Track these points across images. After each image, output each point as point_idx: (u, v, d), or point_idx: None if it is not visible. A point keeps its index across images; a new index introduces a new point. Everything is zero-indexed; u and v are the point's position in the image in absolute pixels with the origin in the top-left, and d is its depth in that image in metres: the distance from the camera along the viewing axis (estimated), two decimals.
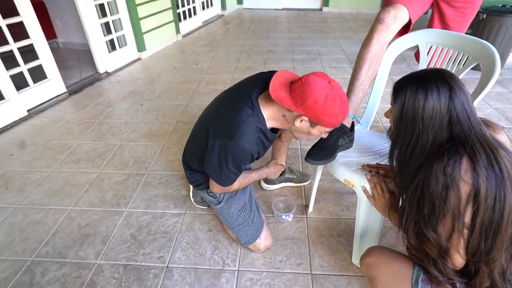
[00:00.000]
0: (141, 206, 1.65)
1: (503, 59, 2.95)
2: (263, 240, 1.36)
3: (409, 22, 1.38)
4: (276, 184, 1.74)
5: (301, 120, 1.05)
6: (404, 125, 0.83)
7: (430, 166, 0.75)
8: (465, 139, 0.75)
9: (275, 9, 6.19)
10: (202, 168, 1.26)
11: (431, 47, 1.31)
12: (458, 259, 0.75)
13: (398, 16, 1.30)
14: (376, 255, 0.99)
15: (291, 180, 1.75)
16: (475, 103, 1.09)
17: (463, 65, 1.20)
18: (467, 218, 0.71)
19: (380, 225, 1.22)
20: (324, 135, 1.16)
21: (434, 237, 0.76)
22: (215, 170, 1.14)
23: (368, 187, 1.12)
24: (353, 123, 1.29)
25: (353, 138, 1.31)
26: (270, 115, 1.11)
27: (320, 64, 3.44)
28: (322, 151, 1.22)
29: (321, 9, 5.95)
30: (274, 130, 1.20)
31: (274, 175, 1.53)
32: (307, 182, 1.77)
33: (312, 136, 1.15)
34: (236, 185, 1.25)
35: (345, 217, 1.56)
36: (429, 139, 0.80)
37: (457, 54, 1.23)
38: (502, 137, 0.89)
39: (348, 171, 1.20)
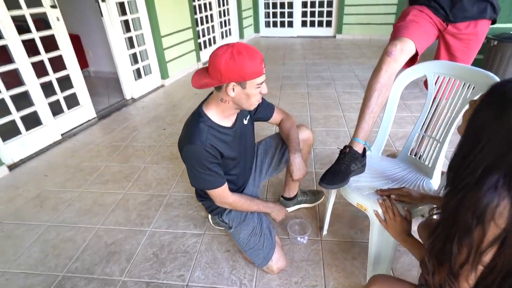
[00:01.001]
0: (163, 226, 1.72)
1: None
2: (275, 262, 1.38)
3: (416, 54, 1.44)
4: (290, 207, 1.77)
5: (232, 88, 1.10)
6: (482, 117, 0.71)
7: (472, 189, 0.69)
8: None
9: (290, 37, 6.38)
10: (201, 191, 1.40)
11: (438, 77, 1.35)
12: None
13: (405, 49, 1.36)
14: (380, 283, 1.00)
15: (304, 202, 1.79)
16: None
17: (470, 94, 1.24)
18: (487, 257, 0.68)
19: (393, 249, 1.23)
20: (261, 90, 1.16)
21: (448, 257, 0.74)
22: (192, 177, 1.25)
23: (380, 211, 1.15)
24: (364, 149, 1.34)
25: (365, 163, 1.35)
26: (213, 111, 1.21)
27: (334, 89, 3.50)
28: (336, 176, 1.26)
29: (334, 36, 6.09)
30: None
31: (276, 215, 1.49)
32: (321, 200, 1.80)
33: (254, 97, 1.15)
34: (231, 198, 1.32)
35: (359, 240, 1.57)
36: (491, 157, 0.68)
37: (464, 84, 1.27)
38: None
39: (361, 195, 1.24)
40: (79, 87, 2.82)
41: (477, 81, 1.21)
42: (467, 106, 0.86)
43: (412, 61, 1.46)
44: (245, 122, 1.38)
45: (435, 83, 1.37)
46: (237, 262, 1.48)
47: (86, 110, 2.93)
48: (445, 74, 1.33)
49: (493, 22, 1.51)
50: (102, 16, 3.01)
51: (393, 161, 1.49)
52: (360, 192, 1.25)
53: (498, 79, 1.15)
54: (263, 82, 1.15)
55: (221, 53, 1.05)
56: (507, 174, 0.66)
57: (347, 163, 1.27)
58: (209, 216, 1.70)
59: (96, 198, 1.96)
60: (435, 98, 1.38)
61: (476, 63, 3.28)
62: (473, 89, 1.22)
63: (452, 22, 1.49)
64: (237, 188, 1.48)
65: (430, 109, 1.40)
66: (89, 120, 2.96)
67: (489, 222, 0.66)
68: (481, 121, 0.71)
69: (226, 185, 1.28)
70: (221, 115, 1.23)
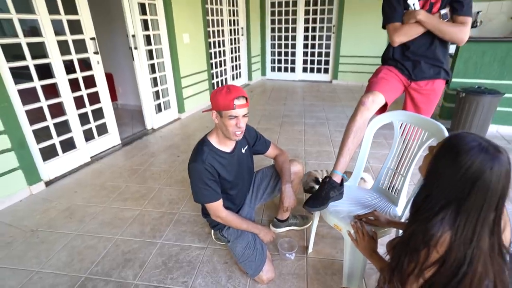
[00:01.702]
0: (172, 239, 1.84)
1: (484, 129, 3.11)
2: (265, 273, 1.49)
3: (386, 104, 1.64)
4: (282, 228, 1.89)
5: (216, 116, 1.36)
6: (441, 165, 0.79)
7: (425, 221, 0.79)
8: (464, 221, 0.74)
9: (292, 80, 6.70)
10: (206, 209, 1.53)
11: (401, 123, 1.54)
12: None
13: (376, 101, 1.57)
14: None
15: (295, 225, 1.90)
16: None
17: (425, 139, 1.41)
18: (428, 274, 0.79)
19: (363, 264, 1.34)
20: (232, 122, 1.31)
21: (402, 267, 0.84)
22: (194, 191, 1.42)
23: (352, 231, 1.29)
24: (342, 179, 1.50)
25: (343, 191, 1.49)
26: (214, 137, 1.45)
27: (328, 128, 3.67)
28: (316, 200, 1.41)
29: (331, 81, 6.37)
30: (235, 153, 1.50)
31: (264, 236, 1.58)
32: (308, 224, 1.90)
33: (230, 127, 1.32)
34: (224, 213, 1.46)
35: (339, 259, 1.66)
36: (446, 193, 0.77)
37: (420, 130, 1.44)
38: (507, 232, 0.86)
39: (337, 217, 1.38)
40: (109, 117, 3.06)
41: (429, 129, 1.38)
42: (425, 149, 1.00)
43: (383, 109, 1.66)
44: (243, 151, 1.56)
45: (400, 128, 1.55)
46: (233, 273, 1.59)
47: (112, 137, 3.14)
48: (407, 121, 1.51)
49: (447, 82, 1.73)
50: (133, 60, 3.33)
51: (367, 191, 1.63)
52: (337, 215, 1.39)
53: (443, 127, 1.32)
54: (237, 117, 1.31)
55: (216, 88, 1.35)
56: (453, 212, 0.75)
57: (326, 191, 1.42)
58: (212, 232, 1.83)
59: (117, 213, 2.11)
60: (404, 139, 1.55)
61: (448, 110, 3.51)
62: (427, 134, 1.40)
63: (414, 80, 1.69)
64: (235, 206, 1.62)
65: (397, 148, 1.57)
66: (114, 146, 3.17)
67: (432, 247, 0.76)
68: (438, 168, 0.80)
69: (220, 201, 1.45)
70: (217, 138, 1.45)
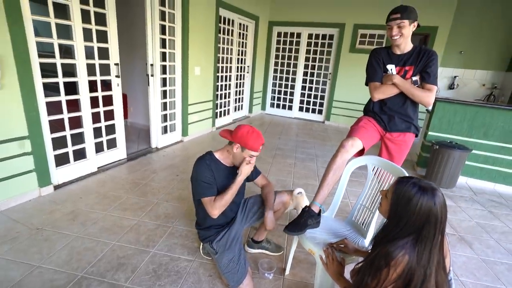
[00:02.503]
0: (164, 250, 1.92)
1: (454, 179, 3.31)
2: (245, 286, 1.57)
3: (363, 148, 1.83)
4: (255, 248, 1.98)
5: (237, 147, 1.56)
6: (398, 210, 0.97)
7: (388, 245, 0.94)
8: (423, 247, 0.91)
9: (289, 117, 6.96)
10: (200, 221, 1.71)
11: (374, 167, 1.71)
12: None
13: (355, 145, 1.75)
14: None
15: (267, 249, 1.98)
16: None
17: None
18: None
19: (332, 286, 1.45)
20: (250, 159, 1.57)
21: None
22: (194, 187, 1.59)
23: (323, 256, 1.41)
24: (320, 210, 1.64)
25: (319, 220, 1.62)
26: (219, 154, 1.66)
27: (316, 164, 3.84)
28: (295, 226, 1.54)
29: (324, 122, 6.63)
30: (231, 170, 1.66)
31: (245, 170, 1.61)
32: (279, 253, 1.99)
33: (245, 159, 1.57)
34: (217, 204, 1.55)
35: (312, 283, 1.75)
36: (405, 230, 0.94)
37: (389, 175, 1.62)
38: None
39: (312, 243, 1.50)
40: (119, 133, 3.22)
41: (396, 174, 1.56)
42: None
43: (360, 153, 1.84)
44: (238, 171, 1.67)
45: (372, 170, 1.72)
46: (215, 285, 1.67)
47: (120, 152, 3.28)
48: (379, 166, 1.69)
49: (416, 135, 1.94)
50: (149, 85, 3.56)
51: (341, 223, 1.77)
52: (312, 241, 1.52)
53: (406, 174, 1.50)
54: (255, 156, 1.60)
55: (245, 127, 1.56)
56: (412, 240, 0.93)
57: (305, 218, 1.56)
58: (201, 246, 1.93)
59: (116, 220, 2.20)
60: (378, 180, 1.70)
61: (424, 159, 3.71)
62: (394, 179, 1.57)
63: (389, 131, 1.91)
64: (226, 218, 1.74)
65: (369, 188, 1.73)
66: (120, 160, 3.29)
67: (392, 267, 0.91)
68: (397, 213, 0.97)
69: (213, 197, 1.57)
70: (222, 157, 1.65)
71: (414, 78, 1.78)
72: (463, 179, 3.53)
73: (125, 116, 4.59)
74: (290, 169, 3.55)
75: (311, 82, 6.63)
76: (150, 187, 2.79)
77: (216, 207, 1.55)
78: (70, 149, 2.67)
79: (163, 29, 3.59)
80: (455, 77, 5.50)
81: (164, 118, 3.94)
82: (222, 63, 5.12)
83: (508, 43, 5.16)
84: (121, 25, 3.03)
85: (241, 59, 5.82)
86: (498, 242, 2.39)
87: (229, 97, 5.62)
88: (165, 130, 3.99)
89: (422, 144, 3.74)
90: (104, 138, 3.04)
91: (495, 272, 2.02)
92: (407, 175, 1.49)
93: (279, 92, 7.01)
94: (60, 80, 2.46)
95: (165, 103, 3.89)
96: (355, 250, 1.43)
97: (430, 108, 1.79)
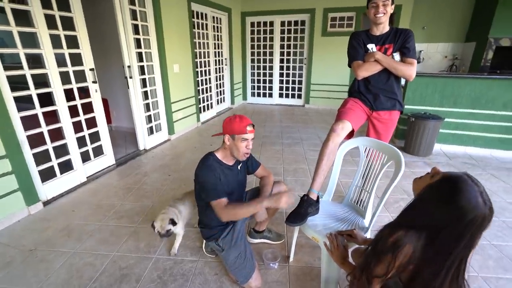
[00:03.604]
0: (165, 254, 1.80)
1: (430, 148, 3.35)
2: (254, 280, 1.51)
3: (353, 130, 1.75)
4: (257, 238, 1.90)
5: (228, 139, 1.46)
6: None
7: (396, 230, 0.86)
8: (430, 252, 0.81)
9: (270, 105, 6.84)
10: (206, 221, 1.56)
11: (366, 148, 1.65)
12: None
13: (345, 128, 1.68)
14: None
15: (268, 238, 1.91)
16: (393, 185, 1.38)
17: (385, 161, 1.52)
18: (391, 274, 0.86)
19: (337, 271, 1.39)
20: (243, 144, 1.44)
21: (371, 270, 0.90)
22: (207, 188, 1.43)
23: (327, 242, 1.34)
24: (318, 197, 1.56)
25: (319, 207, 1.55)
26: (220, 153, 1.53)
27: (302, 147, 3.77)
28: (297, 217, 1.46)
29: (304, 106, 6.57)
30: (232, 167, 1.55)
31: (277, 203, 1.39)
32: (280, 242, 1.91)
33: (241, 149, 1.45)
34: (228, 207, 1.40)
35: (316, 266, 1.71)
36: (427, 219, 0.83)
37: (381, 154, 1.56)
38: None
39: (315, 230, 1.43)
40: (105, 140, 2.99)
41: (388, 152, 1.50)
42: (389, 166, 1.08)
43: (350, 135, 1.77)
44: (239, 168, 1.61)
45: (364, 152, 1.66)
46: (223, 283, 1.58)
47: (108, 158, 3.06)
48: (370, 146, 1.62)
49: (401, 112, 1.88)
50: (128, 88, 3.31)
51: (339, 205, 1.71)
52: (314, 228, 1.45)
53: (399, 151, 1.43)
54: (247, 140, 1.45)
55: (227, 117, 1.48)
56: (427, 237, 0.81)
57: (305, 207, 1.48)
58: (203, 245, 1.82)
59: (113, 230, 2.04)
60: (369, 161, 1.65)
61: (401, 132, 3.72)
62: (386, 157, 1.51)
63: (375, 110, 1.84)
64: None
65: (363, 169, 1.67)
66: (109, 166, 3.08)
67: (396, 255, 0.83)
68: (431, 198, 0.83)
69: (225, 199, 1.43)
70: (224, 157, 1.53)
71: (395, 54, 1.71)
72: (438, 146, 3.58)
73: (109, 121, 4.33)
74: (278, 156, 3.47)
75: (288, 68, 6.50)
76: (143, 190, 2.62)
77: (225, 215, 1.42)
78: (54, 162, 2.44)
79: (136, 29, 3.30)
80: (420, 51, 5.53)
81: (149, 119, 3.72)
82: (200, 58, 4.87)
83: (465, 16, 5.21)
84: (92, 28, 2.74)
85: (218, 52, 5.57)
86: None
87: (210, 91, 5.40)
88: (151, 130, 3.78)
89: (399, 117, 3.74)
90: (89, 147, 2.81)
91: None
92: (399, 152, 1.43)
93: (259, 81, 6.84)
94: (33, 92, 2.20)
95: (147, 104, 3.66)
96: (364, 240, 1.35)
97: (411, 80, 1.72)
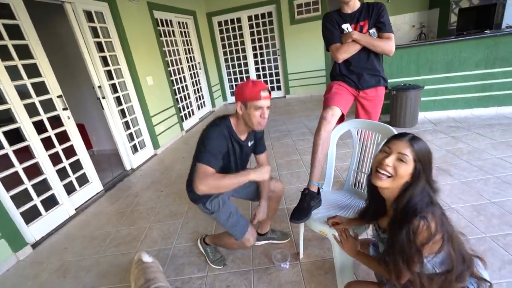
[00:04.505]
0: (172, 275, 1.70)
1: (415, 117, 3.36)
2: (250, 233, 1.47)
3: (343, 114, 1.69)
4: (261, 241, 1.83)
5: (240, 107, 1.29)
6: (425, 165, 0.89)
7: (421, 215, 0.83)
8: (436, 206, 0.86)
9: None
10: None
11: (357, 130, 1.59)
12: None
13: (335, 114, 1.61)
14: (353, 287, 1.08)
15: (273, 239, 1.84)
16: None
17: (380, 140, 1.47)
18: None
19: (352, 260, 1.34)
20: (257, 113, 1.27)
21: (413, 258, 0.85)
22: (201, 149, 1.26)
23: (337, 234, 1.28)
24: (318, 188, 1.50)
25: (321, 199, 1.49)
26: (234, 120, 1.36)
27: (291, 138, 3.71)
28: (301, 213, 1.38)
29: (285, 96, 6.52)
30: (242, 142, 1.40)
31: (260, 176, 1.32)
32: (287, 240, 1.83)
33: (254, 118, 1.28)
34: (214, 176, 1.23)
35: (328, 257, 1.65)
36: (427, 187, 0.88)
37: (374, 133, 1.50)
38: None
39: (321, 224, 1.36)
40: (87, 167, 2.83)
41: (381, 131, 1.45)
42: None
43: (341, 119, 1.71)
44: (249, 144, 1.50)
45: (357, 134, 1.60)
46: None
47: (94, 185, 2.90)
48: (361, 128, 1.57)
49: (386, 87, 1.84)
50: (103, 109, 3.13)
51: (340, 193, 1.65)
52: (320, 222, 1.38)
53: (391, 128, 1.38)
54: (261, 107, 1.28)
55: (241, 82, 1.32)
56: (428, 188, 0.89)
57: (308, 202, 1.41)
58: (207, 259, 1.72)
59: (112, 260, 1.91)
60: (362, 143, 1.59)
61: (385, 106, 3.73)
62: (380, 136, 1.46)
63: (361, 90, 1.78)
64: None
65: (358, 151, 1.61)
66: (97, 193, 2.91)
67: (432, 227, 0.82)
68: (426, 164, 0.90)
69: (213, 170, 1.25)
70: (238, 129, 1.37)
71: (371, 31, 1.66)
72: (422, 115, 3.60)
73: (89, 146, 4.14)
74: (269, 151, 3.39)
75: (263, 62, 6.41)
76: (137, 212, 2.49)
77: (207, 185, 1.20)
78: (37, 200, 2.27)
79: (100, 46, 3.12)
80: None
81: (130, 137, 3.55)
82: (173, 65, 4.70)
83: None
84: (53, 52, 2.57)
85: (190, 57, 5.40)
86: (468, 162, 2.44)
87: (189, 97, 5.24)
88: (135, 148, 3.61)
89: None
90: (72, 177, 2.64)
91: (476, 190, 2.05)
92: (391, 128, 1.38)
93: (235, 80, 6.72)
94: None
95: (126, 122, 3.48)
96: (349, 221, 1.29)
97: (391, 55, 1.67)
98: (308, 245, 1.77)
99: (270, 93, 1.30)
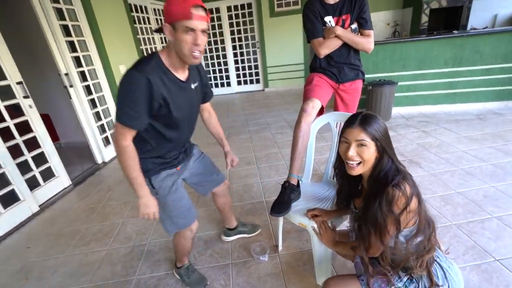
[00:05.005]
0: (147, 272, 1.62)
1: (389, 112, 3.48)
2: (195, 223, 1.33)
3: (322, 107, 1.69)
4: (232, 236, 1.79)
5: (169, 31, 0.97)
6: (386, 144, 0.92)
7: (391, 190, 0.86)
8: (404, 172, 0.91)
9: (230, 94, 6.64)
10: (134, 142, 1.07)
11: (337, 123, 1.59)
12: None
13: (315, 106, 1.60)
14: (333, 283, 1.08)
15: (244, 232, 1.79)
16: None
17: None
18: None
19: (330, 252, 1.35)
20: (189, 38, 0.95)
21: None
22: (117, 105, 0.99)
23: (316, 226, 1.28)
24: (298, 181, 1.49)
25: (300, 191, 1.49)
26: (165, 54, 1.03)
27: (270, 132, 3.70)
28: (282, 206, 1.36)
29: (263, 90, 6.49)
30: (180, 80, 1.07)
31: (142, 208, 1.11)
32: (258, 232, 1.81)
33: (186, 44, 0.96)
34: (126, 143, 1.02)
35: (306, 249, 1.66)
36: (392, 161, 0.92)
37: None
38: None
39: (301, 216, 1.35)
40: (54, 160, 2.62)
41: None
42: None
43: (320, 112, 1.70)
44: (193, 86, 1.16)
45: (336, 127, 1.60)
46: None
47: (61, 180, 2.70)
48: (341, 120, 1.56)
49: (364, 81, 1.86)
50: (71, 98, 2.91)
51: (319, 185, 1.65)
52: (300, 214, 1.37)
53: None
54: (194, 30, 0.95)
55: None
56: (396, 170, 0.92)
57: (288, 195, 1.39)
58: (175, 273, 1.57)
59: (81, 259, 1.79)
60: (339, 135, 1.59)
61: (361, 101, 3.81)
62: None
63: (341, 83, 1.79)
64: (169, 153, 1.23)
65: (337, 145, 1.61)
66: (65, 188, 2.71)
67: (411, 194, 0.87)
68: (386, 142, 0.94)
69: (132, 131, 1.02)
70: (170, 62, 1.03)
71: (353, 26, 1.66)
72: (395, 110, 3.73)
73: (55, 138, 3.84)
74: (248, 144, 3.36)
75: (242, 54, 6.30)
76: (110, 207, 2.35)
77: (116, 152, 1.04)
78: None
79: (66, 30, 2.87)
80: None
81: (102, 128, 3.33)
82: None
83: None
84: (12, 34, 2.31)
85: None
86: (437, 155, 2.57)
87: None
88: (107, 141, 3.40)
89: None
90: (36, 171, 2.44)
91: (443, 181, 2.16)
92: None
93: (214, 71, 6.56)
94: None
95: (97, 113, 3.26)
96: (328, 213, 1.30)
97: (369, 53, 1.68)
98: (286, 237, 1.76)
99: (207, 13, 0.98)
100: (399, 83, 3.55)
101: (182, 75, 1.09)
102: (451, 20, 5.11)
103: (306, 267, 1.54)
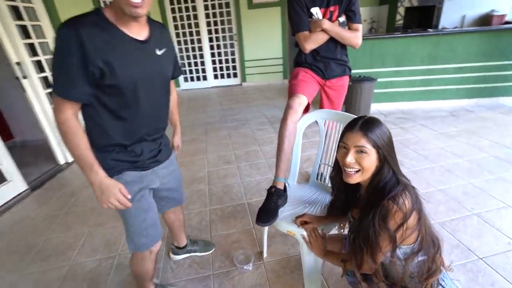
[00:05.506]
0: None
1: (368, 108, 3.49)
2: (158, 243, 1.14)
3: (308, 104, 1.59)
4: (181, 255, 1.60)
5: None
6: (389, 152, 0.85)
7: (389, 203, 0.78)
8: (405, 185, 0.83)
9: (206, 88, 6.40)
10: (92, 132, 0.93)
11: (324, 121, 1.50)
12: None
13: (301, 103, 1.50)
14: None
15: (195, 251, 1.61)
16: None
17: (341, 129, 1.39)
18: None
19: (321, 262, 1.26)
20: None
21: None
22: (52, 72, 0.81)
23: (305, 234, 1.18)
24: (285, 185, 1.38)
25: (287, 196, 1.39)
26: (108, 9, 0.84)
27: (249, 128, 3.57)
28: (269, 214, 1.25)
29: (241, 84, 6.32)
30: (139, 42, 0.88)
31: (100, 196, 0.92)
32: (211, 251, 1.63)
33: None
34: (66, 116, 0.84)
35: (293, 254, 1.58)
36: (391, 170, 0.84)
37: (338, 123, 1.43)
38: None
39: (289, 223, 1.25)
40: (5, 161, 2.30)
41: (343, 120, 1.38)
42: None
43: (306, 109, 1.61)
44: (159, 52, 0.95)
45: (324, 125, 1.51)
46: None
47: (15, 184, 2.38)
48: (329, 118, 1.48)
49: (350, 77, 1.79)
50: (25, 91, 2.56)
51: (306, 187, 1.56)
52: (287, 221, 1.27)
53: (354, 116, 1.31)
54: None
55: None
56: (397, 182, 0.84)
57: (275, 201, 1.29)
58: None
59: (38, 278, 1.56)
60: (326, 133, 1.51)
61: None
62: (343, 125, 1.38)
63: (327, 79, 1.70)
64: (127, 142, 0.96)
65: (324, 143, 1.53)
66: (20, 194, 2.40)
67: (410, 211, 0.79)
68: (388, 151, 0.87)
69: (72, 105, 0.84)
70: (117, 16, 0.84)
71: (341, 20, 1.57)
72: (374, 106, 3.76)
73: (8, 136, 3.43)
74: (227, 142, 3.21)
75: (219, 47, 6.06)
76: (74, 214, 2.11)
77: (59, 129, 0.86)
78: None
79: (17, 13, 2.51)
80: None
81: None
82: None
83: None
84: None
85: None
86: (416, 152, 2.60)
87: None
88: None
89: None
90: None
91: (424, 179, 2.18)
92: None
93: (189, 65, 6.27)
94: None
95: None
96: (318, 220, 1.21)
97: (357, 48, 1.60)
98: (271, 242, 1.67)
99: None
100: (378, 80, 3.57)
101: (138, 33, 0.88)
102: (424, 19, 5.27)
103: (293, 275, 1.45)
